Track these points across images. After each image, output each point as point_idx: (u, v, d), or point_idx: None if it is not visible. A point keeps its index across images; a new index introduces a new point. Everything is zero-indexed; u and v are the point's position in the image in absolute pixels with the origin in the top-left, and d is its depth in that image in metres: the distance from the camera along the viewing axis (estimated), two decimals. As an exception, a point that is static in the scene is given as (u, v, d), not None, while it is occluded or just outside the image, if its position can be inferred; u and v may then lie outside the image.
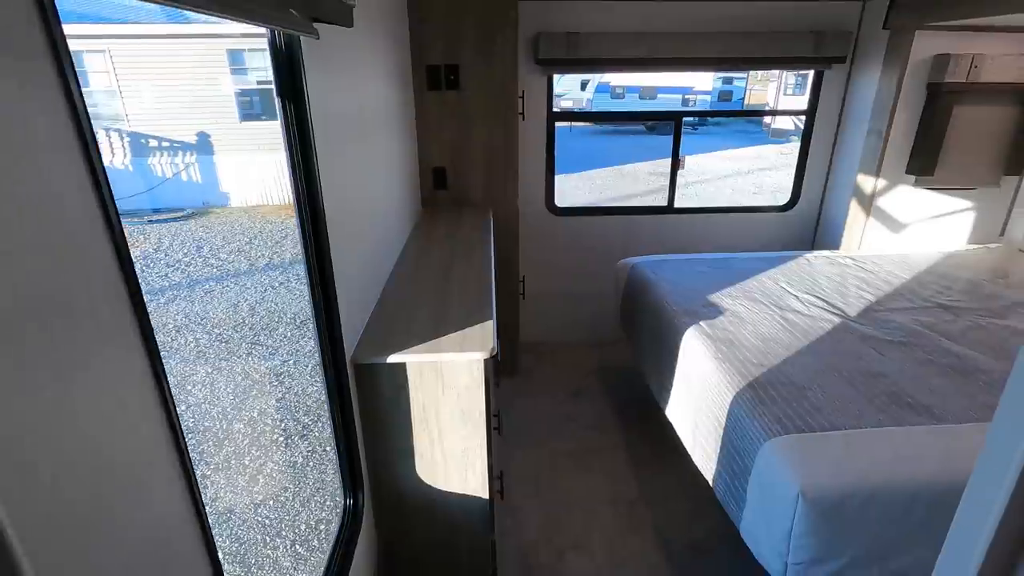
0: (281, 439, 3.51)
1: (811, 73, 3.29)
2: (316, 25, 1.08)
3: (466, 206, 2.90)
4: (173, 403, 0.65)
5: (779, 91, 17.07)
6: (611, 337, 3.58)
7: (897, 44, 2.83)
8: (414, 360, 1.45)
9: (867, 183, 3.09)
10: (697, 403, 1.93)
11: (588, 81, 16.67)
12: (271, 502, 3.02)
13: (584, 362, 3.48)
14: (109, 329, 0.55)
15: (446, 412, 1.52)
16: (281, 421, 3.69)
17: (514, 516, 2.27)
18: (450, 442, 1.56)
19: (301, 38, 1.07)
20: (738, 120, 17.99)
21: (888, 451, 1.45)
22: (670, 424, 2.24)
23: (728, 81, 18.00)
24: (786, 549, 1.42)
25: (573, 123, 16.91)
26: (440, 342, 1.49)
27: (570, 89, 16.67)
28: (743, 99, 18.00)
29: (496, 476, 1.95)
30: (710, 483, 1.81)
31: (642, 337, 2.62)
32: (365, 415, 1.51)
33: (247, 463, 3.23)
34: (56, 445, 0.47)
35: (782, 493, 1.41)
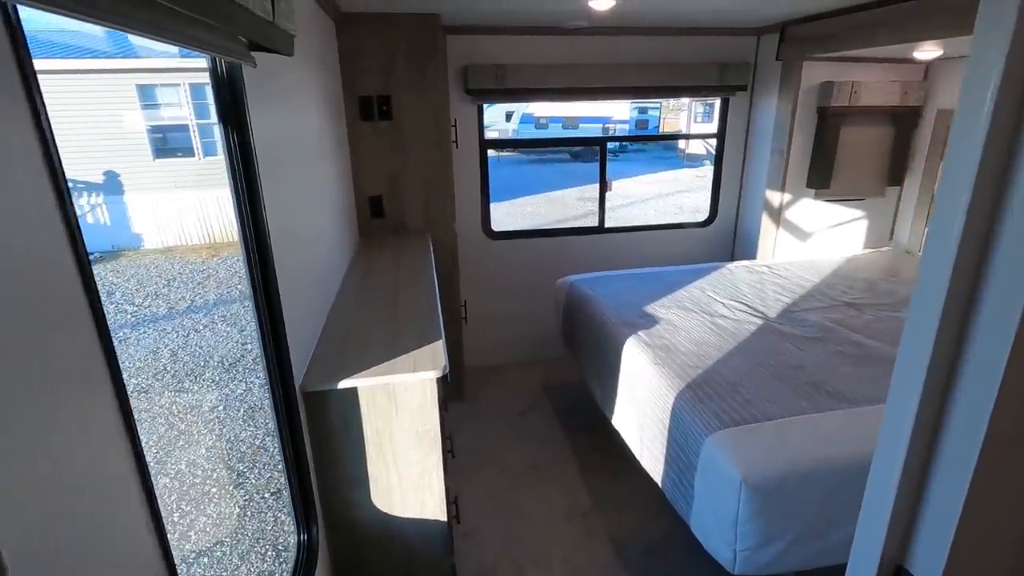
0: (214, 490, 3.29)
1: (718, 100, 3.60)
2: (260, 54, 1.09)
3: (404, 233, 2.92)
4: (137, 433, 0.63)
5: (690, 119, 18.33)
6: (554, 354, 3.66)
7: (789, 73, 3.16)
8: (366, 384, 1.44)
9: (775, 198, 3.39)
10: (642, 408, 2.02)
11: (513, 112, 17.20)
12: (205, 559, 2.82)
13: (530, 381, 3.53)
14: (79, 357, 0.54)
15: (400, 435, 1.51)
16: (213, 471, 3.46)
17: (471, 538, 2.25)
18: (405, 465, 1.54)
19: (243, 66, 1.08)
20: (655, 148, 19.08)
21: (814, 435, 1.59)
22: (617, 434, 2.32)
23: (644, 111, 19.09)
24: (734, 536, 1.51)
25: (501, 153, 17.30)
26: (392, 364, 1.49)
27: (495, 120, 17.09)
28: (658, 127, 19.13)
29: (451, 500, 1.94)
30: (659, 484, 1.89)
31: (584, 351, 2.71)
32: (316, 444, 1.48)
33: (176, 520, 3.00)
34: (34, 469, 0.45)
35: (726, 482, 1.50)
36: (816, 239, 3.55)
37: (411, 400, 1.48)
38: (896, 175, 3.39)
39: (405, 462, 1.54)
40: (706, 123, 17.07)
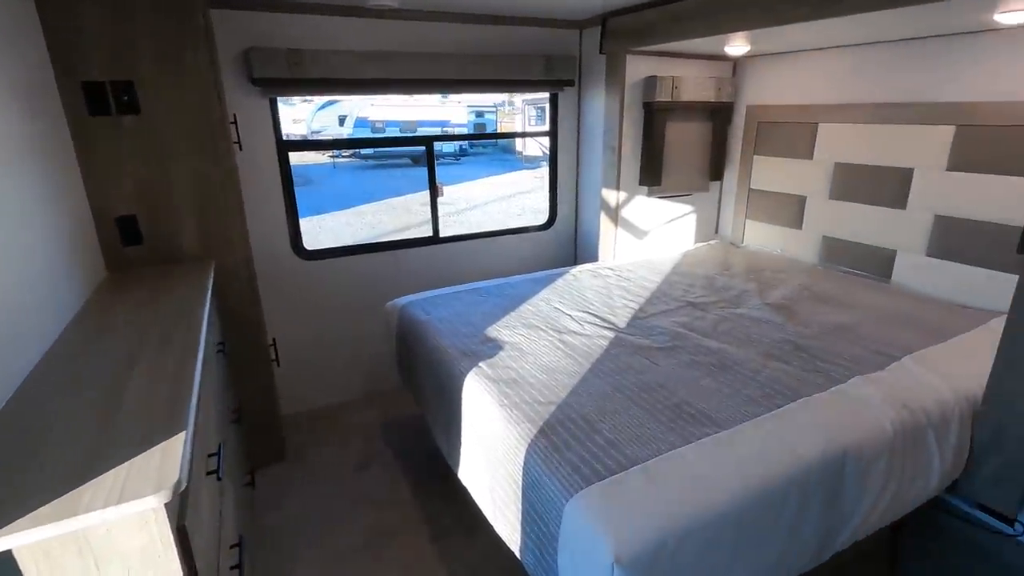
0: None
1: (548, 97, 3.41)
2: None
3: (175, 263, 2.24)
4: None
5: (524, 123, 18.86)
6: (393, 386, 3.19)
7: (613, 67, 3.05)
8: (30, 540, 0.86)
9: (611, 196, 3.28)
10: (490, 462, 1.66)
11: (346, 116, 16.11)
12: None
13: (367, 423, 3.01)
14: None
15: (113, 601, 0.95)
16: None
17: (289, 667, 1.71)
18: (133, 641, 0.99)
19: None
20: (495, 151, 19.34)
21: (686, 476, 1.35)
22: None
23: (480, 114, 19.25)
24: (610, 624, 1.20)
25: (336, 159, 16.15)
26: (83, 492, 0.92)
27: (328, 125, 15.89)
28: (496, 130, 19.42)
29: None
30: (518, 556, 1.54)
31: (422, 390, 2.29)
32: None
33: None
34: None
35: (595, 562, 1.19)
36: (653, 236, 3.53)
37: (126, 546, 0.94)
38: (717, 170, 3.49)
39: (130, 637, 0.98)
40: (540, 125, 17.67)
